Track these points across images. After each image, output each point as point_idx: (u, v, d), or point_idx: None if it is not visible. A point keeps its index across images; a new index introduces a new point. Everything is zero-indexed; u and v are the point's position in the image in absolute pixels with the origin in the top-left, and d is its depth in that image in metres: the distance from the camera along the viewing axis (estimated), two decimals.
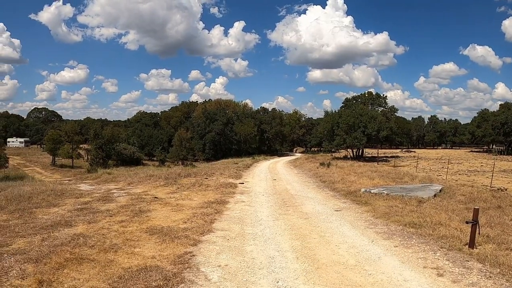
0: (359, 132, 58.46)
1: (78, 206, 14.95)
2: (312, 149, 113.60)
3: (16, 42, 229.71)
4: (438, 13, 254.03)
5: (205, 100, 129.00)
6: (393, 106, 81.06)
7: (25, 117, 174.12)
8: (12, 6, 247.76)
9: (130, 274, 7.63)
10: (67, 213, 13.58)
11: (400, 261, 8.87)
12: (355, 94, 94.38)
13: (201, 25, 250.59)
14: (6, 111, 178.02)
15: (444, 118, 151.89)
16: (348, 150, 65.38)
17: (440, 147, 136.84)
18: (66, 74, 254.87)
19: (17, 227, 11.31)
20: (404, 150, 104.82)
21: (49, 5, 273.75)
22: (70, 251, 8.75)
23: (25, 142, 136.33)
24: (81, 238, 10.01)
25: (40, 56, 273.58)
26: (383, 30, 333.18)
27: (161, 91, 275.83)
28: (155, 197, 17.51)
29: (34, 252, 8.63)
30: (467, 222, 10.19)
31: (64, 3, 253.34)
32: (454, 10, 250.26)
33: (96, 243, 9.65)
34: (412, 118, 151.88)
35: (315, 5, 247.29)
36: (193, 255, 9.02)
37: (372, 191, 18.73)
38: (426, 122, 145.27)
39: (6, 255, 8.47)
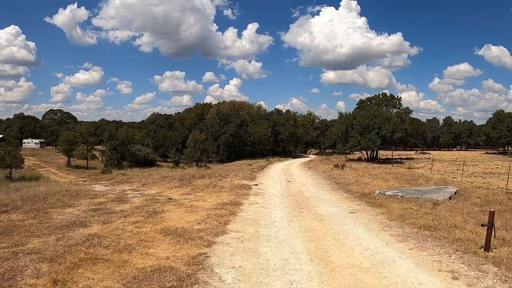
0: (373, 134, 58.06)
1: (93, 207, 15.03)
2: (326, 150, 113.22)
3: (32, 44, 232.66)
4: (452, 13, 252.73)
5: (219, 101, 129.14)
6: (408, 107, 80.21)
7: (40, 119, 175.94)
8: (28, 9, 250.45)
9: (144, 274, 7.62)
10: (82, 214, 13.65)
11: (415, 264, 8.76)
12: (369, 95, 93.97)
13: (214, 27, 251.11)
14: (22, 113, 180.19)
15: (459, 120, 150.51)
16: (362, 152, 64.96)
17: (455, 149, 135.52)
18: (81, 76, 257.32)
19: (32, 227, 11.38)
20: (418, 151, 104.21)
21: (64, 8, 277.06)
22: (84, 251, 8.77)
23: (40, 143, 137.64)
24: (95, 238, 10.04)
25: (55, 58, 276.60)
26: (396, 30, 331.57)
27: (175, 93, 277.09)
28: (169, 198, 17.54)
29: (49, 252, 8.66)
30: (482, 225, 10.04)
31: (78, 6, 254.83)
32: (468, 10, 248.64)
33: (111, 243, 9.67)
34: (427, 119, 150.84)
35: (328, 6, 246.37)
36: (207, 256, 8.99)
37: (386, 193, 18.60)
38: (440, 124, 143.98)
39: (21, 255, 8.51)
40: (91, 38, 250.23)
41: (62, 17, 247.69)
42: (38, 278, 7.25)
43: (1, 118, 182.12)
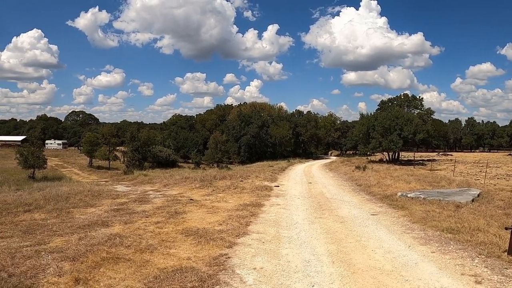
0: (395, 135, 57.49)
1: (115, 207, 15.13)
2: (347, 152, 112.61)
3: (54, 48, 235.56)
4: (473, 12, 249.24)
5: (240, 103, 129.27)
6: (429, 108, 79.27)
7: (63, 120, 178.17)
8: (50, 13, 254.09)
9: (166, 274, 7.62)
10: (103, 214, 13.74)
11: (438, 267, 8.59)
12: (390, 96, 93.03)
13: (235, 28, 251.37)
14: (45, 114, 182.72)
15: (482, 121, 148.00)
16: (384, 153, 64.36)
17: (478, 150, 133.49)
18: (103, 78, 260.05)
19: (55, 226, 11.49)
20: (440, 153, 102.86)
21: (86, 12, 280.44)
22: (106, 251, 8.81)
23: (63, 144, 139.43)
24: (117, 238, 10.08)
25: (77, 61, 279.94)
26: (417, 30, 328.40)
27: (196, 94, 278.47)
28: (191, 199, 17.58)
29: (71, 251, 8.72)
30: (506, 228, 9.85)
31: (100, 10, 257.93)
32: (490, 9, 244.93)
33: (132, 243, 9.71)
34: (449, 120, 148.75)
35: (348, 7, 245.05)
36: (229, 257, 8.96)
37: (408, 195, 18.39)
38: (463, 125, 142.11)
39: (43, 253, 8.58)
40: (112, 40, 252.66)
41: (84, 21, 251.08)
42: (60, 277, 7.30)
43: (25, 120, 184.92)
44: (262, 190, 21.20)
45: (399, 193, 19.12)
